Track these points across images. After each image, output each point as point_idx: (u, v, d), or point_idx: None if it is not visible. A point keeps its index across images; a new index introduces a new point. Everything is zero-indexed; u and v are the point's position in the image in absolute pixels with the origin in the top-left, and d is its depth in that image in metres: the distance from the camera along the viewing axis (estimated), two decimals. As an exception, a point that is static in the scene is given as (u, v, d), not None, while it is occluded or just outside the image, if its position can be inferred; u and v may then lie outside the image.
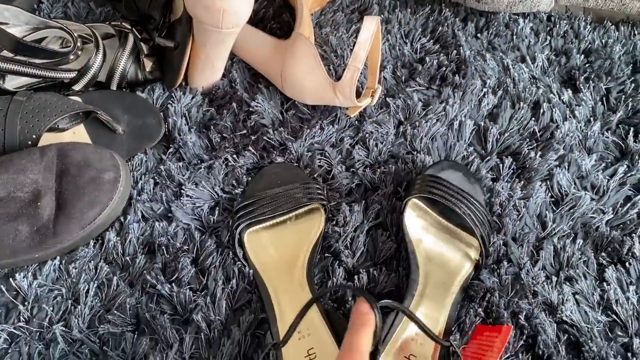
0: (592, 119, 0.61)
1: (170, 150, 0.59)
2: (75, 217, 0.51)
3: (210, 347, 0.47)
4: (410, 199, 0.51)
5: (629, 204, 0.54)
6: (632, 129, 0.59)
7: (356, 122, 0.61)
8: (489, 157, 0.58)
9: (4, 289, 0.50)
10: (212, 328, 0.48)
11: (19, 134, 0.54)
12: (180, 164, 0.58)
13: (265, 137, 0.60)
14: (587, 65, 0.66)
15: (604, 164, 0.57)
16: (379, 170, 0.57)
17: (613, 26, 0.69)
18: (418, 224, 0.51)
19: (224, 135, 0.60)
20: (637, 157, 0.57)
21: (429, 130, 0.60)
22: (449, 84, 0.64)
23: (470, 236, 0.50)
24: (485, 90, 0.63)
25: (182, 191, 0.55)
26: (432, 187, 0.50)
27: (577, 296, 0.49)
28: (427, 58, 0.66)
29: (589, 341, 0.46)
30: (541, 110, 0.61)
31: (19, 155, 0.53)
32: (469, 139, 0.60)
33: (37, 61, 0.58)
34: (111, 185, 0.52)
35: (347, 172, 0.57)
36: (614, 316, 0.47)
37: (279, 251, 0.51)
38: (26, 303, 0.49)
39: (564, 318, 0.47)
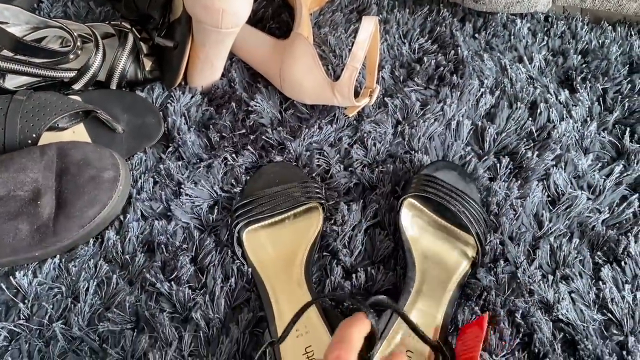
0: (588, 119, 0.61)
1: (170, 149, 0.60)
2: (75, 216, 0.51)
3: (209, 345, 0.48)
4: (406, 198, 0.51)
5: (624, 204, 0.54)
6: (628, 129, 0.60)
7: (354, 121, 0.62)
8: (486, 157, 0.58)
9: (4, 287, 0.51)
10: (211, 326, 0.48)
11: (19, 133, 0.55)
12: (180, 163, 0.58)
13: (264, 137, 0.60)
14: (584, 65, 0.66)
15: (600, 164, 0.58)
16: (377, 169, 0.58)
17: (610, 27, 0.70)
18: (414, 222, 0.52)
19: (223, 134, 0.61)
20: (633, 157, 0.58)
21: (427, 129, 0.60)
22: (446, 84, 0.64)
23: (467, 234, 0.51)
24: (482, 90, 0.64)
25: (182, 190, 0.56)
26: (426, 186, 0.51)
27: (573, 295, 0.49)
28: (425, 58, 0.67)
29: (585, 339, 0.46)
30: (538, 110, 0.61)
31: (19, 154, 0.53)
32: (466, 138, 0.60)
33: (37, 60, 0.58)
34: (111, 184, 0.52)
35: (345, 171, 0.58)
36: (609, 315, 0.48)
37: (278, 250, 0.51)
38: (26, 301, 0.50)
39: (560, 316, 0.47)
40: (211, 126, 0.61)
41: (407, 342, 0.45)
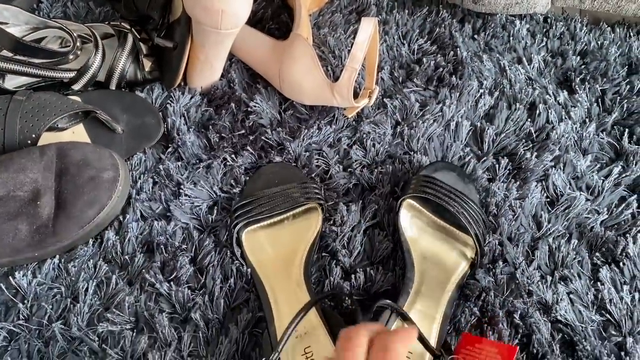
0: (587, 120, 0.62)
1: (169, 149, 0.60)
2: (75, 216, 0.51)
3: (208, 345, 0.48)
4: (405, 199, 0.51)
5: (623, 205, 0.54)
6: (627, 130, 0.60)
7: (354, 122, 0.62)
8: (485, 158, 0.59)
9: (3, 287, 0.51)
10: (210, 326, 0.48)
11: (18, 133, 0.55)
12: (179, 163, 0.58)
13: (263, 137, 0.60)
14: (582, 66, 0.66)
15: (599, 165, 0.58)
16: (376, 170, 0.58)
17: (609, 28, 0.70)
18: (413, 223, 0.52)
19: (223, 135, 0.61)
20: (631, 158, 0.58)
21: (426, 130, 0.60)
22: (446, 85, 0.64)
23: (466, 235, 0.51)
24: (481, 91, 0.64)
25: (181, 190, 0.56)
26: (425, 186, 0.51)
27: (571, 296, 0.49)
28: (424, 59, 0.67)
29: (583, 340, 0.46)
30: (537, 111, 0.62)
31: (19, 154, 0.53)
32: (465, 139, 0.60)
33: (37, 61, 0.58)
34: (110, 184, 0.52)
35: (344, 172, 0.58)
36: (607, 315, 0.48)
37: (277, 250, 0.52)
38: (25, 301, 0.50)
39: (559, 317, 0.47)
40: (210, 127, 0.61)
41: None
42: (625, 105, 0.62)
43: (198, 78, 0.63)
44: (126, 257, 0.52)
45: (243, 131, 0.61)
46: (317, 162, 0.58)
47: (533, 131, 0.60)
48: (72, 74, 0.60)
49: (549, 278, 0.50)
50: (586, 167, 0.57)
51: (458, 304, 0.49)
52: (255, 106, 0.62)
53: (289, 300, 0.48)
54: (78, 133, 0.59)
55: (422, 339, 0.41)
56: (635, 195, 0.55)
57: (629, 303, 0.48)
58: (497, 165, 0.58)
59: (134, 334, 0.48)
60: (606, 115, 0.62)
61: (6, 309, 0.50)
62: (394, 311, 0.44)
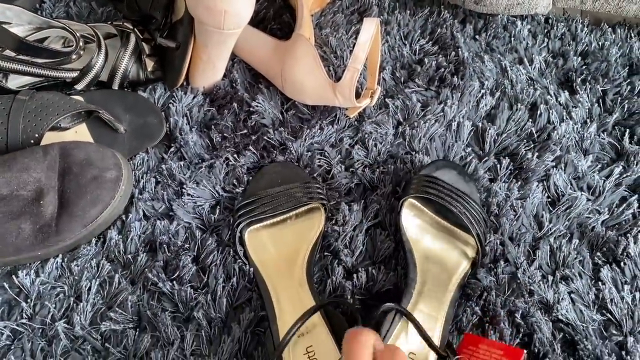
0: (588, 120, 0.62)
1: (172, 149, 0.60)
2: (78, 216, 0.51)
3: (210, 344, 0.48)
4: (407, 198, 0.52)
5: (624, 205, 0.55)
6: (627, 130, 0.60)
7: (355, 122, 0.62)
8: (486, 158, 0.59)
9: (7, 286, 0.51)
10: (213, 325, 0.49)
11: (21, 133, 0.55)
12: (182, 163, 0.59)
13: (265, 137, 0.60)
14: (584, 67, 0.67)
15: (600, 165, 0.58)
16: (377, 170, 0.58)
17: (610, 29, 0.70)
18: (415, 223, 0.52)
19: (225, 134, 0.61)
20: (632, 159, 0.58)
21: (428, 130, 0.60)
22: (447, 85, 0.65)
23: (467, 234, 0.51)
24: (483, 91, 0.64)
25: (184, 190, 0.56)
26: (427, 186, 0.51)
27: (572, 295, 0.49)
28: (425, 59, 0.67)
29: (584, 340, 0.46)
30: (538, 112, 0.62)
31: (22, 154, 0.53)
32: (467, 139, 0.61)
33: (40, 61, 0.58)
34: (113, 184, 0.53)
35: (346, 171, 0.58)
36: (608, 315, 0.48)
37: (279, 250, 0.52)
38: (29, 300, 0.50)
39: (560, 317, 0.48)
40: (213, 126, 0.61)
41: (410, 343, 0.45)
42: (626, 106, 0.62)
43: (200, 78, 0.63)
44: (129, 256, 0.52)
45: (245, 131, 0.61)
46: (319, 161, 0.59)
47: (534, 131, 0.61)
48: (74, 74, 0.60)
49: (550, 278, 0.50)
50: (587, 167, 0.58)
51: (460, 303, 0.49)
52: (257, 106, 0.62)
53: (291, 300, 0.48)
54: (81, 133, 0.59)
55: (427, 340, 0.41)
56: (636, 196, 0.55)
57: (630, 303, 0.48)
58: (498, 166, 0.58)
59: (137, 332, 0.48)
60: (607, 115, 0.62)
61: (9, 307, 0.50)
62: (401, 313, 0.43)
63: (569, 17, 0.72)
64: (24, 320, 0.49)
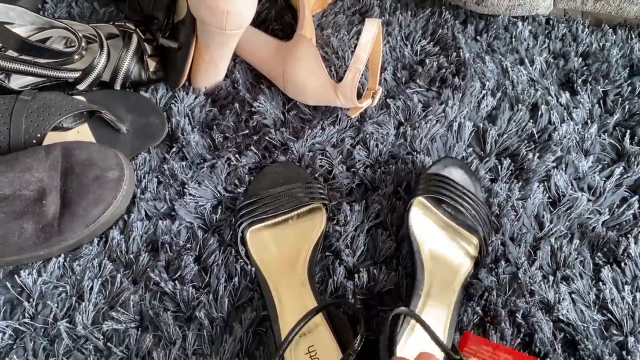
0: (589, 121, 0.62)
1: (174, 149, 0.60)
2: (80, 215, 0.51)
3: (212, 343, 0.48)
4: (417, 197, 0.51)
5: (624, 205, 0.55)
6: (628, 131, 0.60)
7: (357, 122, 0.62)
8: (487, 158, 0.59)
9: (9, 285, 0.51)
10: (215, 325, 0.49)
11: (24, 133, 0.55)
12: (184, 163, 0.59)
13: (267, 137, 0.61)
14: (584, 68, 0.67)
15: (600, 166, 0.58)
16: (379, 170, 0.58)
17: (611, 30, 0.70)
18: (423, 222, 0.52)
19: (227, 135, 0.61)
20: (633, 159, 0.58)
21: (429, 131, 0.60)
22: (448, 86, 0.65)
23: (471, 234, 0.51)
24: (484, 92, 0.64)
25: (185, 190, 0.56)
26: (440, 187, 0.50)
27: (573, 295, 0.49)
28: (427, 60, 0.67)
29: (585, 339, 0.46)
30: (539, 112, 0.62)
31: (25, 153, 0.53)
32: (468, 140, 0.61)
33: (42, 61, 0.59)
34: (115, 183, 0.53)
35: (347, 172, 0.58)
36: (609, 315, 0.48)
37: (281, 249, 0.52)
38: (31, 300, 0.50)
39: (561, 317, 0.48)
40: (215, 127, 0.62)
41: (417, 346, 0.45)
42: (627, 107, 0.62)
43: (202, 78, 0.63)
44: (131, 256, 0.53)
45: (247, 131, 0.61)
46: (321, 162, 0.59)
47: (535, 132, 0.61)
48: (77, 74, 0.60)
49: (551, 278, 0.50)
50: (588, 167, 0.58)
51: (461, 303, 0.49)
52: (259, 106, 0.62)
53: (293, 299, 0.48)
54: (83, 133, 0.59)
55: (439, 343, 0.41)
56: (637, 196, 0.56)
57: (631, 303, 0.48)
58: (499, 166, 0.58)
59: (139, 332, 0.49)
60: (608, 116, 0.62)
61: (12, 307, 0.50)
62: (412, 317, 0.43)
63: (569, 18, 0.72)
64: (26, 320, 0.49)
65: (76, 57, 0.59)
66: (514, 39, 0.70)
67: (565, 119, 0.62)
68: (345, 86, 0.55)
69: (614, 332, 0.47)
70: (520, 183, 0.57)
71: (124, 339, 0.48)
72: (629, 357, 0.46)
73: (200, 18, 0.55)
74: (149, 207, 0.56)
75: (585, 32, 0.70)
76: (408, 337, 0.45)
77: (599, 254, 0.52)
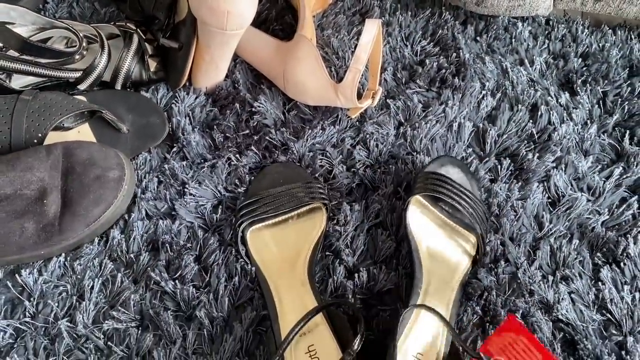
0: (589, 121, 0.62)
1: (174, 149, 0.60)
2: (81, 215, 0.51)
3: (212, 343, 0.48)
4: (415, 196, 0.51)
5: (624, 206, 0.55)
6: (628, 131, 0.60)
7: (357, 123, 0.62)
8: (487, 159, 0.59)
9: (10, 285, 0.51)
10: (215, 324, 0.49)
11: (25, 133, 0.55)
12: (184, 163, 0.59)
13: (267, 137, 0.61)
14: (584, 68, 0.67)
15: (600, 166, 0.58)
16: (379, 170, 0.58)
17: (610, 30, 0.70)
18: (421, 221, 0.52)
19: (227, 135, 0.61)
20: (632, 160, 0.58)
21: (429, 131, 0.61)
22: (448, 86, 0.65)
23: (468, 232, 0.51)
24: (484, 92, 0.64)
25: (186, 190, 0.56)
26: (437, 185, 0.51)
27: (572, 295, 0.49)
28: (427, 60, 0.67)
29: (584, 339, 0.47)
30: (539, 113, 0.62)
31: (26, 153, 0.53)
32: (467, 140, 0.61)
33: (43, 61, 0.59)
34: (116, 183, 0.53)
35: (347, 172, 0.58)
36: (608, 315, 0.48)
37: (281, 249, 0.52)
38: (32, 299, 0.50)
39: (560, 316, 0.48)
40: (215, 127, 0.62)
41: (419, 345, 0.45)
42: (626, 107, 0.63)
43: (203, 78, 0.64)
44: (131, 255, 0.53)
45: (247, 131, 0.61)
46: (321, 162, 0.59)
47: (535, 132, 0.61)
48: (78, 74, 0.60)
49: (551, 278, 0.50)
50: (587, 168, 0.58)
51: (460, 302, 0.49)
52: (259, 106, 0.63)
53: (293, 299, 0.48)
54: (84, 132, 0.59)
55: (459, 342, 0.41)
56: (636, 196, 0.56)
57: (630, 303, 0.48)
58: (499, 166, 0.58)
59: (139, 331, 0.49)
60: (607, 116, 0.62)
61: (12, 306, 0.50)
62: (434, 313, 0.43)
63: (569, 19, 0.73)
64: (26, 319, 0.49)
65: (77, 57, 0.59)
66: (513, 40, 0.70)
67: (565, 119, 0.62)
68: (346, 86, 0.56)
69: (613, 332, 0.47)
70: (519, 183, 0.57)
71: (125, 338, 0.48)
72: (628, 356, 0.46)
73: (201, 18, 0.55)
74: (149, 207, 0.56)
75: (585, 33, 0.70)
76: (408, 334, 0.45)
77: (598, 254, 0.52)
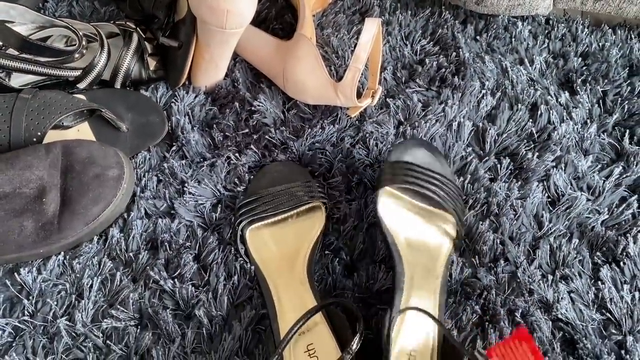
0: (588, 121, 0.62)
1: (174, 148, 0.60)
2: (80, 213, 0.51)
3: (211, 342, 0.48)
4: (384, 188, 0.50)
5: (624, 205, 0.55)
6: (627, 131, 0.60)
7: (357, 122, 0.62)
8: (487, 158, 0.59)
9: (8, 283, 0.51)
10: (214, 323, 0.49)
11: (24, 131, 0.55)
12: (183, 161, 0.59)
13: (267, 136, 0.61)
14: (584, 68, 0.67)
15: (599, 165, 0.58)
16: (378, 169, 0.58)
17: (610, 30, 0.70)
18: (394, 212, 0.50)
19: (227, 133, 0.61)
20: (632, 159, 0.58)
21: (428, 130, 0.61)
22: (448, 86, 0.65)
23: (445, 212, 0.50)
24: (483, 91, 0.64)
25: (185, 189, 0.56)
26: (402, 174, 0.49)
27: (572, 294, 0.49)
28: (426, 59, 0.67)
29: (584, 339, 0.47)
30: (539, 112, 0.62)
31: (25, 151, 0.53)
32: (467, 139, 0.61)
33: (43, 59, 0.59)
34: (115, 182, 0.53)
35: (347, 171, 0.58)
36: (608, 314, 0.48)
37: (280, 248, 0.52)
38: (30, 297, 0.50)
39: (559, 316, 0.48)
40: (215, 125, 0.62)
41: (410, 342, 0.45)
42: (626, 107, 0.62)
43: (202, 77, 0.64)
44: (130, 254, 0.53)
45: (247, 130, 0.61)
46: (320, 161, 0.59)
47: (534, 132, 0.61)
48: (77, 73, 0.60)
49: (550, 277, 0.50)
50: (587, 167, 0.58)
51: (459, 302, 0.49)
52: (259, 105, 0.63)
53: (292, 298, 0.48)
54: (83, 131, 0.59)
55: (453, 340, 0.41)
56: (636, 196, 0.56)
57: (629, 302, 0.48)
58: (498, 165, 0.58)
59: (138, 330, 0.49)
60: (607, 116, 0.62)
61: (11, 305, 0.50)
62: (426, 314, 0.43)
63: (569, 18, 0.73)
64: (25, 318, 0.49)
65: (77, 55, 0.59)
66: (513, 39, 0.70)
67: (565, 118, 0.62)
68: (345, 85, 0.56)
69: (613, 331, 0.47)
70: (519, 182, 0.57)
71: (123, 337, 0.48)
72: (628, 356, 0.46)
73: (201, 17, 0.55)
74: (148, 206, 0.56)
75: (584, 32, 0.70)
76: (398, 335, 0.45)
77: (598, 253, 0.52)
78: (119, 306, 0.50)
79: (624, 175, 0.57)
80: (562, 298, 0.49)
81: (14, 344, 0.48)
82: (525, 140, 0.60)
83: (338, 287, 0.51)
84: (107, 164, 0.53)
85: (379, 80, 0.61)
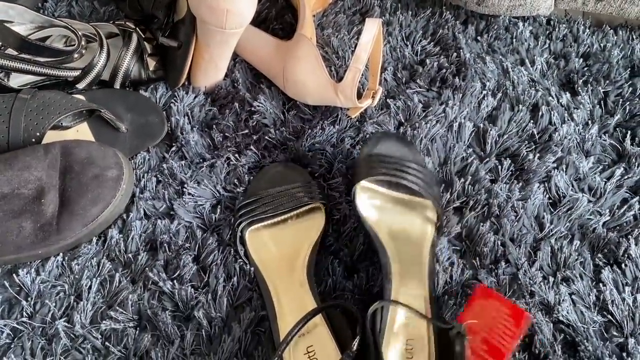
0: (590, 122, 0.62)
1: (173, 148, 0.60)
2: (79, 214, 0.51)
3: (211, 343, 0.48)
4: (359, 183, 0.51)
5: (625, 206, 0.55)
6: (629, 132, 0.60)
7: (357, 122, 0.62)
8: (487, 159, 0.59)
9: (7, 284, 0.51)
10: (213, 325, 0.49)
11: (23, 132, 0.55)
12: (183, 162, 0.59)
13: (266, 137, 0.60)
14: (585, 68, 0.67)
15: (601, 167, 0.58)
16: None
17: (612, 30, 0.70)
18: (372, 205, 0.51)
19: (226, 134, 0.61)
20: (634, 160, 0.58)
21: (429, 131, 0.60)
22: (449, 86, 0.65)
23: (423, 199, 0.51)
24: (484, 92, 0.64)
25: (184, 189, 0.56)
26: (374, 167, 0.50)
27: (573, 296, 0.49)
28: (427, 60, 0.67)
29: (585, 341, 0.46)
30: (540, 113, 0.62)
31: (24, 152, 0.53)
32: (468, 140, 0.61)
33: (42, 59, 0.59)
34: (114, 182, 0.53)
35: (347, 172, 0.58)
36: (609, 316, 0.48)
37: (280, 249, 0.52)
38: (29, 299, 0.50)
39: (561, 318, 0.48)
40: (214, 126, 0.61)
41: (404, 332, 0.45)
42: (628, 108, 0.62)
43: (202, 77, 0.63)
44: (129, 255, 0.52)
45: (246, 131, 0.61)
46: (320, 161, 0.59)
47: (536, 133, 0.61)
48: (76, 73, 0.60)
49: (551, 279, 0.50)
50: (588, 168, 0.58)
51: (460, 303, 0.49)
52: (258, 106, 0.62)
53: (292, 299, 0.48)
54: (82, 131, 0.59)
55: (423, 316, 0.41)
56: (637, 197, 0.55)
57: (631, 304, 0.48)
58: (499, 167, 0.58)
59: (137, 331, 0.48)
60: (608, 117, 0.62)
61: (10, 306, 0.50)
62: (391, 304, 0.43)
63: (570, 19, 0.72)
64: (24, 319, 0.49)
65: (76, 55, 0.59)
66: (514, 40, 0.70)
67: (566, 119, 0.62)
68: (346, 86, 0.55)
69: (614, 333, 0.47)
70: (520, 184, 0.56)
71: (122, 339, 0.48)
72: (629, 358, 0.45)
73: (200, 17, 0.55)
74: (147, 207, 0.56)
75: (586, 33, 0.70)
76: (393, 326, 0.45)
77: (599, 255, 0.52)
78: (117, 307, 0.49)
79: (626, 177, 0.57)
80: (563, 300, 0.48)
81: (12, 346, 0.48)
82: (526, 141, 0.60)
83: (338, 288, 0.51)
84: (106, 165, 0.53)
85: (379, 80, 0.61)
